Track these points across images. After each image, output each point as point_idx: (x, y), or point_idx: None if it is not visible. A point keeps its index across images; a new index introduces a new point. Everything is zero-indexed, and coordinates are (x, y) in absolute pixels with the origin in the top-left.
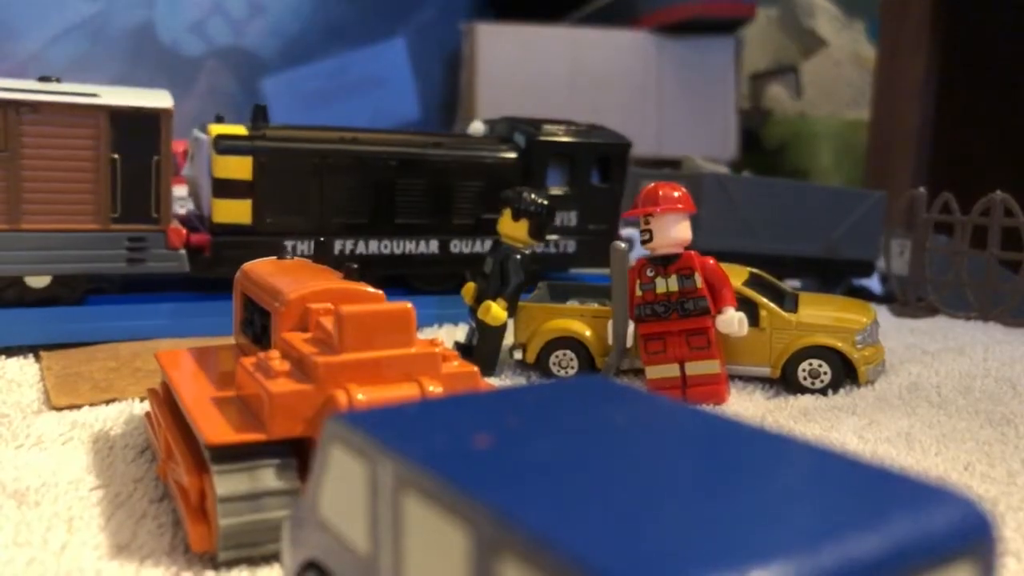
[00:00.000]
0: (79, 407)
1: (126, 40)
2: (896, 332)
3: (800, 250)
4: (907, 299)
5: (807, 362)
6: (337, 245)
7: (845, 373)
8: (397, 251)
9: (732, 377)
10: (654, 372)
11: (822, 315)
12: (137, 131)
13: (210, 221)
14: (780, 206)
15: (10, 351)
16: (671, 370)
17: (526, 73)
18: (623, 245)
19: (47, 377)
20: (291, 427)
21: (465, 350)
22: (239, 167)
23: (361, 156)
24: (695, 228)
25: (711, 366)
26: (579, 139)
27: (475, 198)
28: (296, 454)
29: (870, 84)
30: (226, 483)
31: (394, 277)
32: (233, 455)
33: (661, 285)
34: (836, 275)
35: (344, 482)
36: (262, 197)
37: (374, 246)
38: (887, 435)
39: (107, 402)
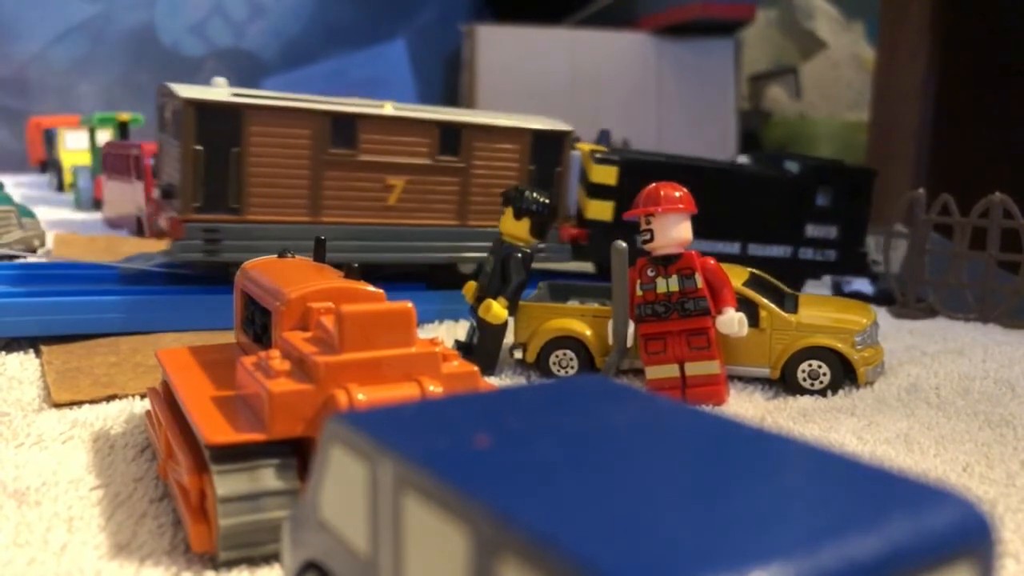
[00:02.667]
0: (80, 404)
1: (127, 41)
2: (895, 333)
3: None
4: (906, 300)
5: (807, 363)
6: None
7: (844, 374)
8: (710, 250)
9: (732, 378)
10: (654, 372)
11: (822, 316)
12: (548, 148)
13: (579, 217)
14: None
15: (11, 346)
16: (671, 370)
17: (526, 74)
18: (623, 244)
19: (48, 372)
20: (291, 427)
21: (465, 349)
22: (608, 174)
23: (694, 169)
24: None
25: (711, 367)
26: (838, 167)
27: (766, 211)
28: (296, 454)
29: (869, 85)
30: (226, 483)
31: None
32: (233, 455)
33: (662, 285)
34: None
35: (344, 482)
36: (621, 199)
37: (694, 246)
38: (886, 436)
39: (107, 399)
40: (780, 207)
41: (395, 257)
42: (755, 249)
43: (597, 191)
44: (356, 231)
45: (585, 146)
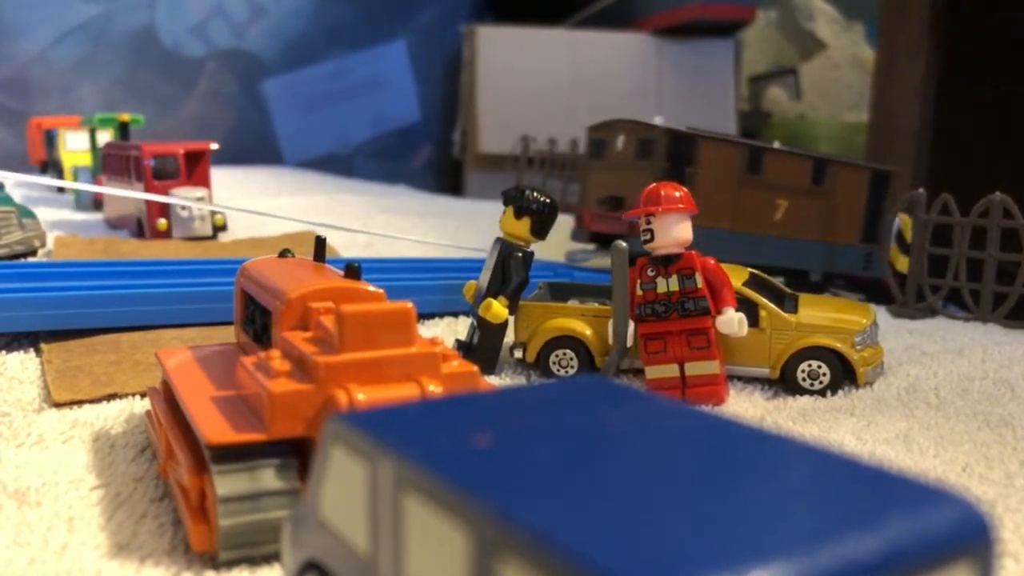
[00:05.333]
0: (80, 403)
1: (128, 42)
2: (895, 333)
3: None
4: (906, 300)
5: (806, 363)
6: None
7: (844, 374)
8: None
9: (731, 377)
10: (654, 372)
11: (822, 316)
12: (880, 184)
13: (892, 268)
14: None
15: (11, 345)
16: (671, 370)
17: (526, 75)
18: (623, 244)
19: (47, 371)
20: (291, 427)
21: (466, 348)
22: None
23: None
24: None
25: (710, 366)
26: None
27: None
28: (296, 454)
29: (869, 86)
30: (226, 483)
31: None
32: (233, 455)
33: (662, 285)
34: None
35: (344, 482)
36: (912, 254)
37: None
38: (885, 436)
39: (107, 398)
40: None
41: (773, 261)
42: None
43: (902, 244)
44: (754, 238)
45: (905, 216)
